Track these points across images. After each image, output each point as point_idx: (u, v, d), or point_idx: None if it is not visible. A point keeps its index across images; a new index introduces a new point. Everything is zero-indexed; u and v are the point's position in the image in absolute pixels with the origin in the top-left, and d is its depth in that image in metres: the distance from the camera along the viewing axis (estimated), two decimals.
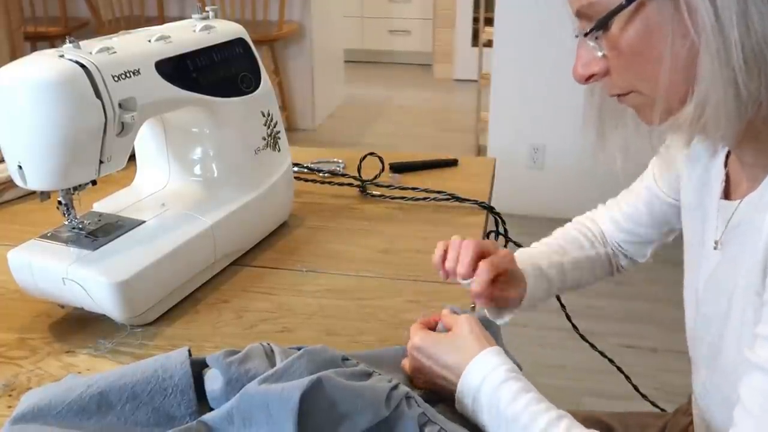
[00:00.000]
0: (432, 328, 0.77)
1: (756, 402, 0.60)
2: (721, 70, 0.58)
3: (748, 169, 0.70)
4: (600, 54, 0.65)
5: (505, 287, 0.86)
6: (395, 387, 0.66)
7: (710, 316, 0.75)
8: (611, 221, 0.99)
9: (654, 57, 0.61)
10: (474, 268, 0.81)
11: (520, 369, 0.74)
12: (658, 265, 1.07)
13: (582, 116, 0.77)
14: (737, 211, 0.70)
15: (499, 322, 0.87)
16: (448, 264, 0.83)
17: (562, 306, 1.17)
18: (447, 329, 0.75)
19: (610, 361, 1.20)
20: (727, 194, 0.74)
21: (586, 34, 0.65)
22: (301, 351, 0.68)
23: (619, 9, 0.61)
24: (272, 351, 0.71)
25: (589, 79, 0.68)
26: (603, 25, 0.63)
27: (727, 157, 0.75)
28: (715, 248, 0.74)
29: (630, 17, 0.61)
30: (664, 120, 0.64)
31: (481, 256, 0.82)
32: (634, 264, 1.02)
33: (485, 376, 0.67)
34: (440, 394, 0.72)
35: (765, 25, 0.56)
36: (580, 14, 0.65)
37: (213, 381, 0.68)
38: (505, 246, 1.17)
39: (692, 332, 0.81)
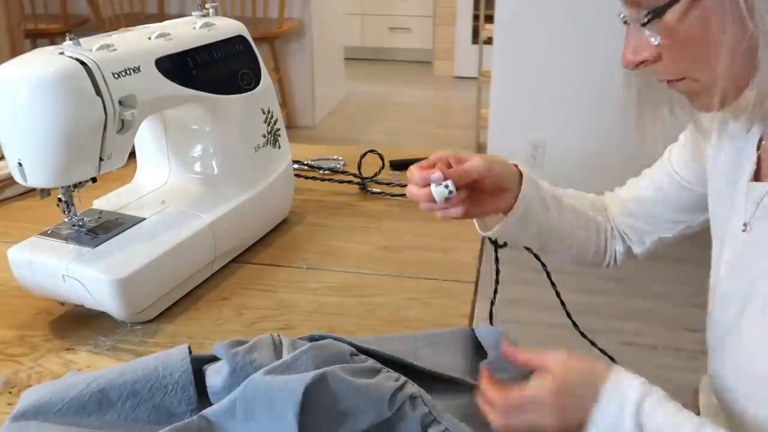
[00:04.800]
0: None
1: None
2: None
3: None
4: (655, 42, 0.65)
5: (486, 199, 0.83)
6: (401, 387, 0.66)
7: (730, 296, 0.75)
8: (617, 199, 0.99)
9: (712, 46, 0.61)
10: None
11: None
12: (659, 262, 1.08)
13: (621, 109, 0.76)
14: None
15: (487, 233, 0.87)
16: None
17: (563, 303, 1.17)
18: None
19: (611, 358, 1.20)
20: (757, 177, 0.74)
21: (643, 24, 0.64)
22: (308, 345, 0.68)
23: None
24: (280, 342, 0.70)
25: (639, 65, 0.67)
26: (661, 14, 0.62)
27: (760, 140, 0.75)
28: (743, 230, 0.74)
29: (688, 6, 0.61)
30: (721, 107, 0.64)
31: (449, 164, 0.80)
32: (629, 255, 1.00)
33: (643, 398, 0.67)
34: None
35: None
36: (629, 1, 0.65)
37: (214, 375, 0.68)
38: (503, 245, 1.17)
39: (711, 315, 0.81)
